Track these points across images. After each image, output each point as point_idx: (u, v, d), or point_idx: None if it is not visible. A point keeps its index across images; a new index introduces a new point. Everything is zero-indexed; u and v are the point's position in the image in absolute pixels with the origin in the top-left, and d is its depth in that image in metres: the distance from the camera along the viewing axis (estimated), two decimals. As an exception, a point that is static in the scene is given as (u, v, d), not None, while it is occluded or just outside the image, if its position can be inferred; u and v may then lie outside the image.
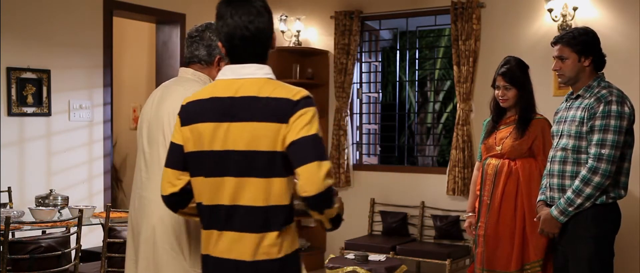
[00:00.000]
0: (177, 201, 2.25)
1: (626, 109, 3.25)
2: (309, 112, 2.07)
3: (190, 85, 2.59)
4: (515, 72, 3.85)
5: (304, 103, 2.08)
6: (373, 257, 5.45)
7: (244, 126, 2.07)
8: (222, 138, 2.10)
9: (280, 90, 2.09)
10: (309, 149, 2.03)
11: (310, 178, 2.01)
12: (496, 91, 3.91)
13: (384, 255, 5.61)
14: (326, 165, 2.03)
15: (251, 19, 2.13)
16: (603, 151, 3.20)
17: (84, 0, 5.81)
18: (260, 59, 2.17)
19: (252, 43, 2.15)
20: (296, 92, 2.09)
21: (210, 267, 2.20)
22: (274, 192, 2.08)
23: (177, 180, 2.22)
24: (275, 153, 2.06)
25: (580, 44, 3.33)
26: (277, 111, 2.06)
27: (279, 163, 2.06)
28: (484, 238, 3.88)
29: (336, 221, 2.17)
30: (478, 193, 3.99)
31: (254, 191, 2.08)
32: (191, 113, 2.18)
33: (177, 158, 2.22)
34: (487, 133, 4.02)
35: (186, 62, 2.74)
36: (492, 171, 3.90)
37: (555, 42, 3.42)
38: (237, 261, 2.11)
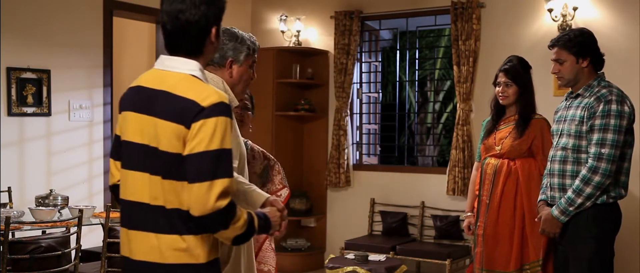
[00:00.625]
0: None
1: (626, 108, 3.24)
2: (214, 122, 1.89)
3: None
4: (518, 70, 3.86)
5: (211, 110, 1.89)
6: (373, 257, 5.45)
7: (153, 122, 1.95)
8: (133, 129, 2.01)
9: (193, 91, 1.93)
10: (203, 166, 1.87)
11: (199, 198, 1.87)
12: (497, 88, 3.92)
13: (384, 255, 5.62)
14: (220, 185, 1.87)
15: (182, 8, 1.96)
16: (603, 150, 3.20)
17: (84, 0, 5.81)
18: (191, 53, 2.01)
19: (182, 35, 1.99)
20: (207, 96, 1.91)
21: (126, 270, 2.09)
22: (176, 194, 1.93)
23: (116, 171, 2.14)
24: (178, 156, 1.91)
25: (577, 46, 3.33)
26: (181, 112, 1.90)
27: (183, 167, 1.92)
28: (483, 238, 3.88)
29: (239, 239, 1.99)
30: (477, 192, 3.99)
31: (153, 190, 1.96)
32: (124, 100, 2.09)
33: (115, 147, 2.14)
34: (486, 132, 4.02)
35: None
36: (491, 171, 3.90)
37: (552, 46, 3.42)
38: (145, 262, 1.99)
